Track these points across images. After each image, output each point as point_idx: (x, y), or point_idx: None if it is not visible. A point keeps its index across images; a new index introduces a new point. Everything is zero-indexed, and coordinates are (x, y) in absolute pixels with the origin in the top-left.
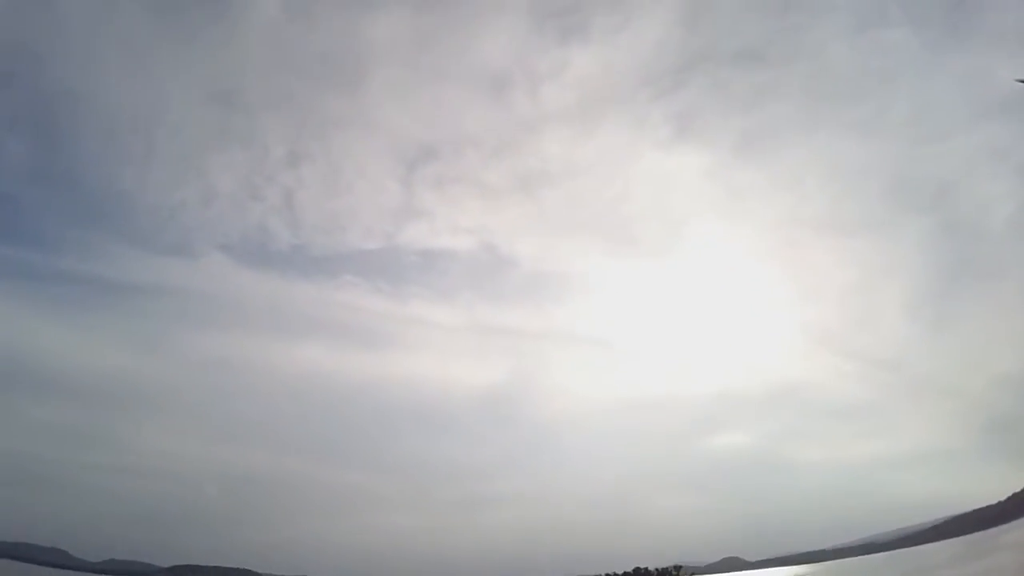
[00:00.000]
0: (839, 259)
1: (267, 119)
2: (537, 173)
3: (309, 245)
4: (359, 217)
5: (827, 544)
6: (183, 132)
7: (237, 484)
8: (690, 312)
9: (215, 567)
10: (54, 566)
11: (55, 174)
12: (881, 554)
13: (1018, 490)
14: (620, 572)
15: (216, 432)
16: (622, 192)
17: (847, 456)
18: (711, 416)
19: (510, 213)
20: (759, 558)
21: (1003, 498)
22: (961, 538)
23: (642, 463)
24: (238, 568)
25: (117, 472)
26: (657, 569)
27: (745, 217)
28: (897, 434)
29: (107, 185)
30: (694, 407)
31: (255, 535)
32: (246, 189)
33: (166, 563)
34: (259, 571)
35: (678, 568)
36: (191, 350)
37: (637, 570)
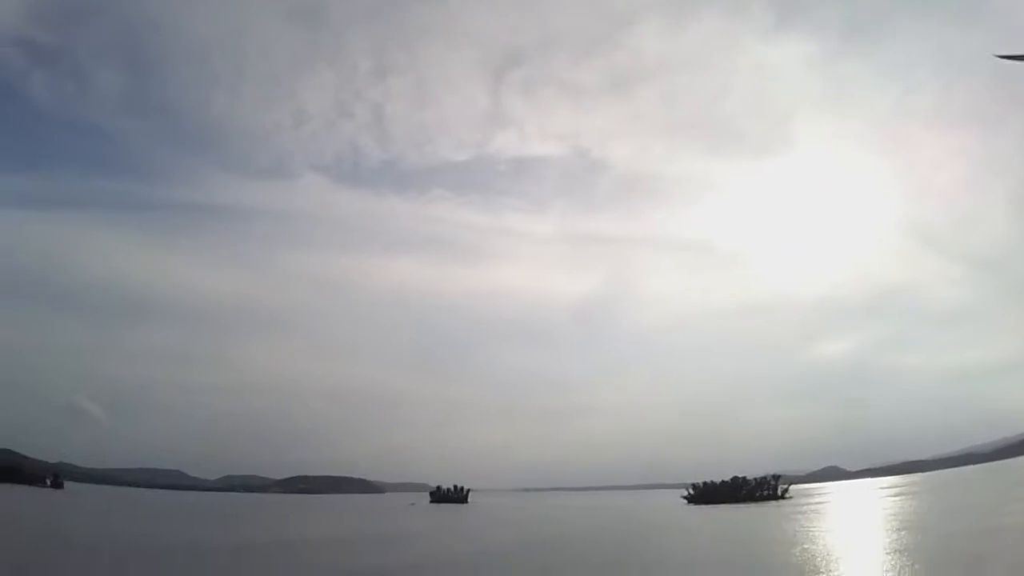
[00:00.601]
0: (947, 154)
1: (353, 33)
2: (630, 71)
3: (400, 160)
4: (449, 129)
5: (927, 454)
6: (272, 53)
7: (341, 398)
8: (793, 212)
9: (325, 476)
10: (173, 488)
11: (148, 104)
12: (980, 465)
13: None
14: (718, 481)
15: (318, 348)
16: (721, 87)
17: (949, 363)
18: (813, 323)
19: (602, 115)
20: (858, 468)
21: None
22: None
23: (741, 372)
24: (346, 477)
25: (227, 392)
26: (755, 479)
27: (851, 110)
28: (1000, 340)
29: (200, 112)
30: (795, 313)
31: (361, 446)
32: (336, 107)
33: (279, 476)
34: (367, 478)
35: (776, 477)
36: (291, 270)
37: (735, 479)
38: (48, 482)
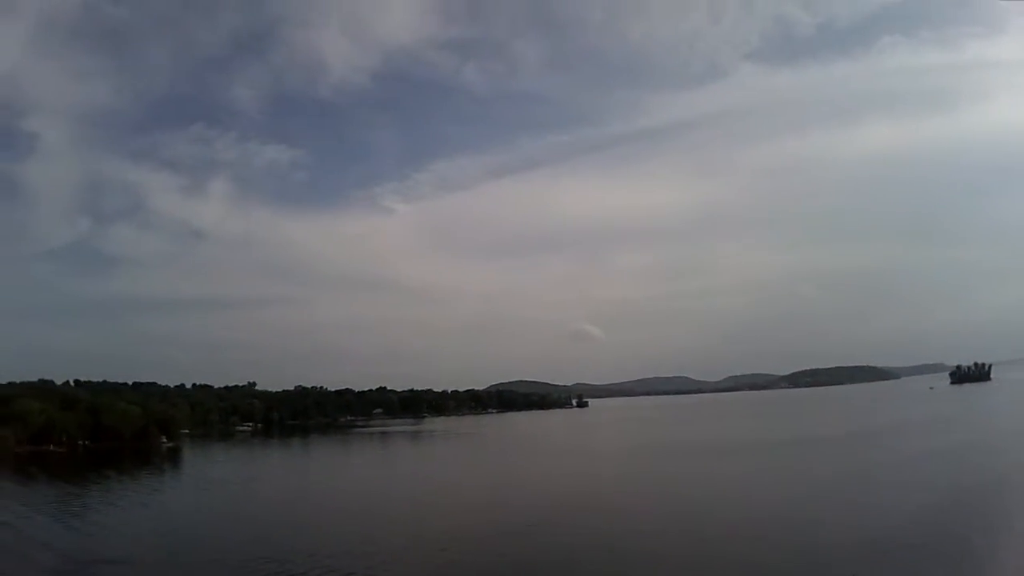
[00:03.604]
0: None
1: None
2: None
3: (834, 19)
4: None
5: None
6: None
7: (834, 283)
8: None
9: (833, 368)
10: (681, 392)
11: (569, 57)
12: None
13: None
14: None
15: (796, 236)
16: None
17: None
18: None
19: None
20: None
21: None
22: None
23: None
24: (856, 366)
25: (716, 296)
26: None
27: None
28: None
29: (620, 44)
30: None
31: (865, 330)
32: None
33: (784, 371)
34: (878, 365)
35: None
36: (746, 165)
37: None
38: (574, 403)
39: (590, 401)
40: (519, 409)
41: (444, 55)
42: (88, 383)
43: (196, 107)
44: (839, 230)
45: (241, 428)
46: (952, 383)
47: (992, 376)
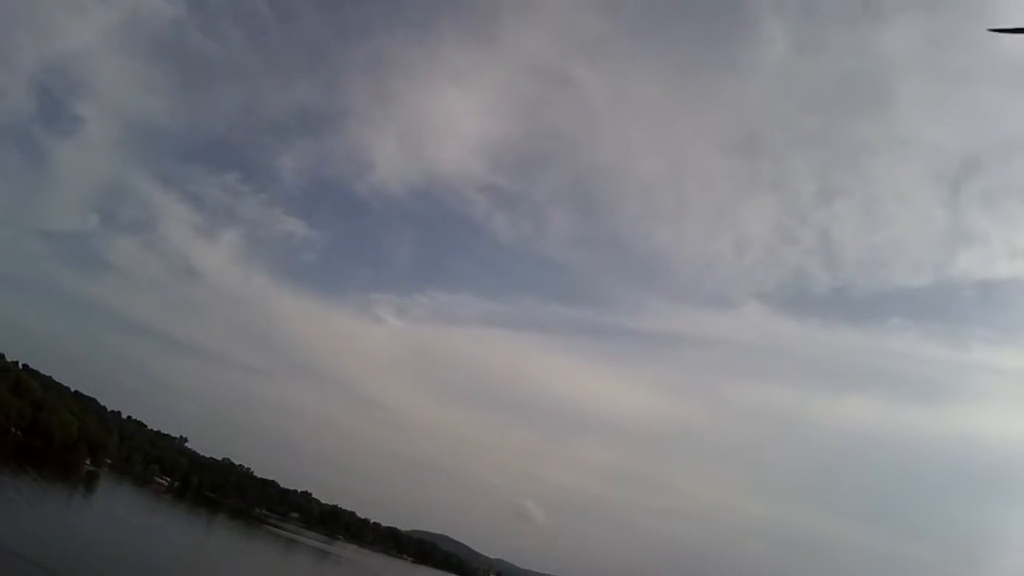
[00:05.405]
0: None
1: (793, 158)
2: None
3: (850, 287)
4: (904, 250)
5: None
6: (712, 185)
7: (780, 542)
8: None
9: None
10: None
11: (597, 239)
12: None
13: None
14: None
15: (758, 484)
16: None
17: None
18: None
19: None
20: None
21: None
22: None
23: None
24: None
25: (664, 516)
26: None
27: None
28: None
29: (644, 244)
30: None
31: None
32: (779, 233)
33: None
34: None
35: None
36: (732, 399)
37: None
38: None
39: None
40: (435, 566)
41: (483, 197)
42: (37, 373)
43: (240, 158)
44: (801, 492)
45: (158, 480)
46: None
47: None
